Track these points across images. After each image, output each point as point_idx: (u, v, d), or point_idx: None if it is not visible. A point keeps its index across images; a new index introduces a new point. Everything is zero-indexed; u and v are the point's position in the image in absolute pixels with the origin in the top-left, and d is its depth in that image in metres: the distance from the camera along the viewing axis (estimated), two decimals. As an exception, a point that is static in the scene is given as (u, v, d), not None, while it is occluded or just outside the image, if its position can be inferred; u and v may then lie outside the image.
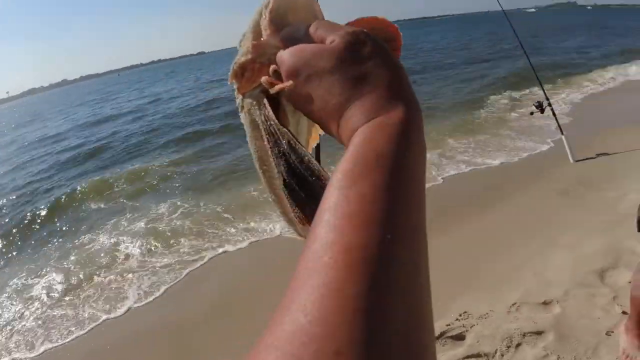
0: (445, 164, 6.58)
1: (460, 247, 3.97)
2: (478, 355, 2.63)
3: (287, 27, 0.47)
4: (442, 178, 6.04)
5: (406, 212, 0.32)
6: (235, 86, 0.52)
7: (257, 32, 0.49)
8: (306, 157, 0.45)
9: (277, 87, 0.46)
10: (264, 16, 0.47)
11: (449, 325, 2.90)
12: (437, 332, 2.83)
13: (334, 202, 0.32)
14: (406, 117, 0.36)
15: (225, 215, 5.87)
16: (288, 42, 0.46)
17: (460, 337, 2.81)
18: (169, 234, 5.63)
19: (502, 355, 2.59)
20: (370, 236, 0.29)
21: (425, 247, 0.33)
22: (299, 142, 0.46)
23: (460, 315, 2.99)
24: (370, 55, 0.40)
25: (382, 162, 0.33)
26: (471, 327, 2.86)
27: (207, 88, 24.87)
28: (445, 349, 2.74)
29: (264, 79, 0.48)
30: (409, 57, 22.17)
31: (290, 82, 0.43)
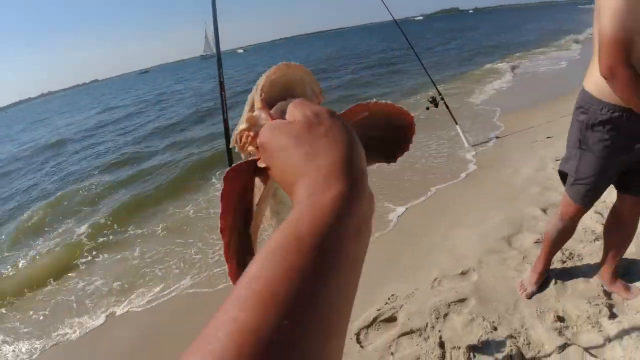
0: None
1: (371, 247, 4.13)
2: (411, 331, 2.70)
3: (278, 104, 0.53)
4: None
5: (316, 295, 0.31)
6: (236, 149, 0.58)
7: (252, 104, 0.55)
8: (250, 232, 0.53)
9: (256, 158, 0.52)
10: (257, 92, 0.53)
11: (380, 309, 2.96)
12: (369, 319, 2.89)
13: (249, 276, 0.32)
14: (341, 197, 0.37)
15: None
16: (275, 116, 0.51)
17: (392, 319, 2.88)
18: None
19: (433, 327, 2.69)
20: (265, 320, 0.28)
21: (341, 324, 0.34)
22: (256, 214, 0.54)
23: (388, 299, 3.07)
24: (326, 133, 0.42)
25: (300, 246, 0.33)
26: (400, 307, 2.94)
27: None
28: (380, 332, 2.80)
29: (251, 148, 0.55)
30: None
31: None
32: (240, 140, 0.56)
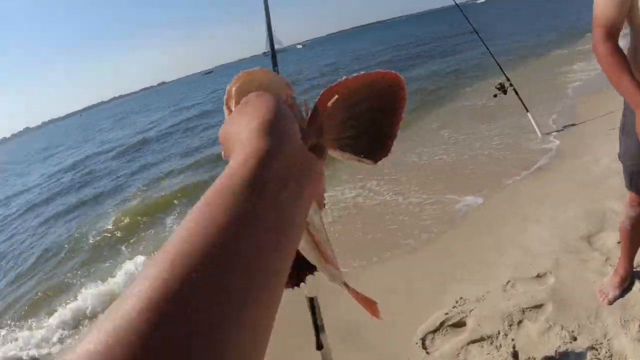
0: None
1: (437, 243, 3.96)
2: (482, 338, 2.56)
3: None
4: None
5: (225, 248, 0.31)
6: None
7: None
8: None
9: None
10: (231, 92, 0.53)
11: (447, 313, 2.83)
12: (436, 323, 2.77)
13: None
14: (255, 154, 0.38)
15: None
16: None
17: (460, 324, 2.75)
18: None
19: (506, 335, 2.53)
20: (173, 275, 0.28)
21: (260, 283, 0.32)
22: None
23: (456, 302, 2.93)
24: (251, 110, 0.45)
25: (212, 200, 0.34)
26: (470, 311, 2.80)
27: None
28: (448, 337, 2.68)
29: None
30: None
31: None
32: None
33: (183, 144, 15.41)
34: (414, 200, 5.04)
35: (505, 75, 6.17)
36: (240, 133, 0.43)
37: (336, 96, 0.54)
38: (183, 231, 0.32)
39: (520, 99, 6.06)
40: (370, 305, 0.70)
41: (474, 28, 6.30)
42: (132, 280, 0.29)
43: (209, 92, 41.35)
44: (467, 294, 2.98)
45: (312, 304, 2.11)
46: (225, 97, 0.54)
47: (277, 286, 0.34)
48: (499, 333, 2.56)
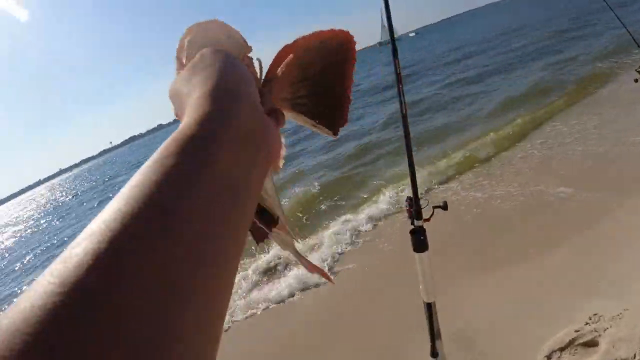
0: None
1: (580, 250, 3.64)
2: (616, 361, 2.37)
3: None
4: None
5: (173, 206, 0.28)
6: None
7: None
8: None
9: None
10: (181, 58, 0.51)
11: (578, 330, 2.64)
12: (564, 340, 2.60)
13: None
14: (207, 116, 0.37)
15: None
16: None
17: (592, 344, 2.55)
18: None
19: (644, 360, 2.31)
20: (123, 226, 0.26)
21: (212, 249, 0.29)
22: None
23: (590, 319, 2.71)
24: (204, 68, 0.43)
25: (163, 161, 0.31)
26: (604, 330, 2.58)
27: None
28: (577, 357, 2.50)
29: None
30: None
31: None
32: None
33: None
34: (561, 194, 4.70)
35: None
36: (192, 93, 0.41)
37: (291, 55, 0.54)
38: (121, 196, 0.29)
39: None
40: (322, 274, 0.66)
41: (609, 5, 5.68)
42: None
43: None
44: (602, 311, 2.75)
45: (430, 309, 2.10)
46: (177, 47, 0.52)
47: (226, 259, 0.31)
48: (634, 357, 2.34)
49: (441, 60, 26.27)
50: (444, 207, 1.92)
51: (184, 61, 0.51)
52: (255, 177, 0.38)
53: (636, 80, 5.73)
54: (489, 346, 2.80)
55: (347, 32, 0.56)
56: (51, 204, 47.14)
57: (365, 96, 20.43)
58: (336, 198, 7.31)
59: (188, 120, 0.36)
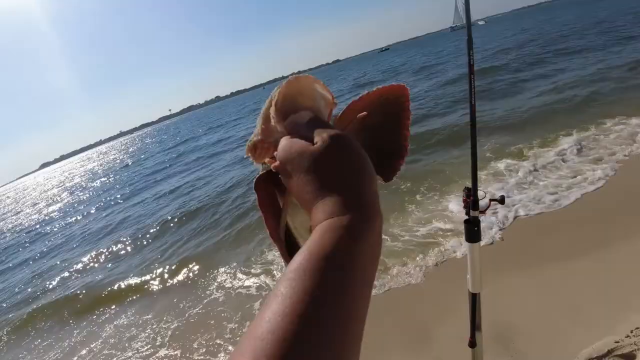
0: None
1: (629, 256, 3.54)
2: (653, 376, 2.33)
3: (291, 117, 0.55)
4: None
5: (327, 316, 0.36)
6: (251, 159, 0.62)
7: (267, 117, 0.57)
8: (282, 225, 0.58)
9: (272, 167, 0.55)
10: (272, 106, 0.55)
11: (618, 342, 2.60)
12: (603, 350, 2.57)
13: (280, 291, 0.37)
14: (355, 223, 0.42)
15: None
16: (290, 130, 0.54)
17: (630, 356, 2.51)
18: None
19: (685, 380, 2.27)
20: (290, 333, 0.33)
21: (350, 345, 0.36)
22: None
23: (631, 332, 2.66)
24: (341, 161, 0.46)
25: (323, 265, 0.38)
26: (645, 345, 2.54)
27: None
28: (613, 368, 2.48)
29: (267, 160, 0.60)
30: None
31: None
32: (255, 151, 0.60)
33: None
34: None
35: None
36: (330, 187, 0.45)
37: (364, 113, 0.59)
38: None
39: None
40: None
41: None
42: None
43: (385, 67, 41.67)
44: (645, 326, 2.69)
45: (474, 300, 2.11)
46: (270, 99, 0.55)
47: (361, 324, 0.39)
48: (673, 375, 2.30)
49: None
50: (501, 201, 1.91)
51: (272, 117, 0.55)
52: (374, 273, 0.44)
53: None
54: (527, 347, 2.79)
55: (402, 86, 0.62)
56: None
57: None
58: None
59: (330, 239, 0.41)
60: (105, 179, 26.95)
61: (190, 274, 6.27)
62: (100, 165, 47.03)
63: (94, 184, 26.58)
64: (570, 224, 4.31)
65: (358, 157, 0.47)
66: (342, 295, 0.37)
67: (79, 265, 8.66)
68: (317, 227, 0.43)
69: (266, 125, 0.58)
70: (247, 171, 11.83)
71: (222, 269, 5.98)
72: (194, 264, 6.56)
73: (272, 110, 0.55)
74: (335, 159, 0.46)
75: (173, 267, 6.67)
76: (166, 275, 6.52)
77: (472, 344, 2.27)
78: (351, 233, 0.41)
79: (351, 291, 0.38)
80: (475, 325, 2.20)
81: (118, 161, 41.67)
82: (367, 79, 32.36)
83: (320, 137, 0.48)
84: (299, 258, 0.40)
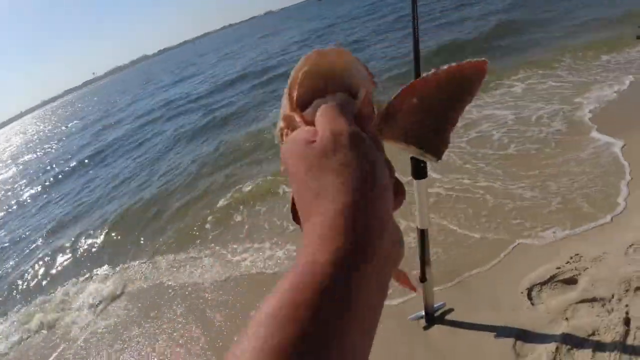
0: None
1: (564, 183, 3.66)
2: (593, 299, 2.45)
3: (315, 102, 0.46)
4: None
5: None
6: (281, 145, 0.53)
7: (290, 98, 0.48)
8: None
9: None
10: (292, 91, 0.46)
11: (559, 268, 2.72)
12: (545, 276, 2.69)
13: (251, 333, 0.31)
14: (343, 261, 0.33)
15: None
16: (308, 119, 0.45)
17: (572, 281, 2.64)
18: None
19: (620, 300, 2.40)
20: None
21: None
22: None
23: (571, 258, 2.79)
24: (339, 167, 0.37)
25: (296, 316, 0.31)
26: (584, 270, 2.67)
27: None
28: (556, 292, 2.59)
29: None
30: None
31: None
32: (283, 139, 0.50)
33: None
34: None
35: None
36: (321, 201, 0.37)
37: (414, 99, 0.47)
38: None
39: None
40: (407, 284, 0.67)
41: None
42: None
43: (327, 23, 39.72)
44: (583, 252, 2.82)
45: (423, 236, 2.14)
46: (289, 81, 0.46)
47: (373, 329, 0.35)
48: (612, 297, 2.43)
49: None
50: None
51: (294, 96, 0.46)
52: (386, 292, 0.38)
53: (638, 37, 5.62)
54: (473, 278, 2.90)
55: (482, 62, 0.46)
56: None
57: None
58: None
59: (317, 260, 0.34)
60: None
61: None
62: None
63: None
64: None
65: (359, 166, 0.38)
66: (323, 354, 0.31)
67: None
68: (298, 256, 0.36)
69: (287, 113, 0.48)
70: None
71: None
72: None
73: (284, 100, 0.47)
74: (331, 164, 0.38)
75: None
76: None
77: (423, 278, 2.33)
78: (331, 276, 0.33)
79: (333, 353, 0.31)
80: (424, 261, 2.25)
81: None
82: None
83: (324, 130, 0.40)
84: (275, 296, 0.33)
